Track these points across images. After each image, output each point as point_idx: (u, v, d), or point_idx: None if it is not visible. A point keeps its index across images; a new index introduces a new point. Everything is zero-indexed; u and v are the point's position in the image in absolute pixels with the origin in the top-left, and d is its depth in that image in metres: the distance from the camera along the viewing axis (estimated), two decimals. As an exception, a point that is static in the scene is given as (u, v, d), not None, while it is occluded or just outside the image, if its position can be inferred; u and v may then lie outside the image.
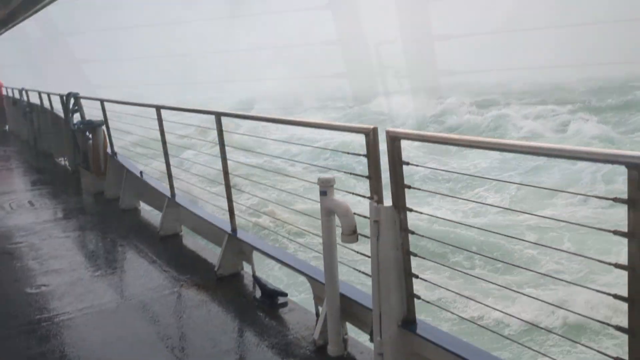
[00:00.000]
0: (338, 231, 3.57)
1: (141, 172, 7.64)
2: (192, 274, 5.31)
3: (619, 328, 2.18)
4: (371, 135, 3.20)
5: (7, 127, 18.34)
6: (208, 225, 5.74)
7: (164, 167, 6.69)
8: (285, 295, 4.59)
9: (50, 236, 6.79)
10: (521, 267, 6.43)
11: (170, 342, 4.02)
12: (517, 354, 5.38)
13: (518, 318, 5.43)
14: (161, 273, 5.41)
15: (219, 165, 5.27)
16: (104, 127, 8.70)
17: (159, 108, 6.47)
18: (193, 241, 6.35)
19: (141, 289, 5.03)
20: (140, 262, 5.78)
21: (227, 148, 5.17)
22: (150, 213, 7.66)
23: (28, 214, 7.89)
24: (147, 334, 4.19)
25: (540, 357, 5.37)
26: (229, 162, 5.23)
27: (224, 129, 5.10)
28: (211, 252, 5.83)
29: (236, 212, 5.31)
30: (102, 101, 8.45)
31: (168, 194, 6.65)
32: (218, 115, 5.13)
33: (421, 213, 3.15)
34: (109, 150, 8.70)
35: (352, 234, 3.42)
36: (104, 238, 6.75)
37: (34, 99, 13.53)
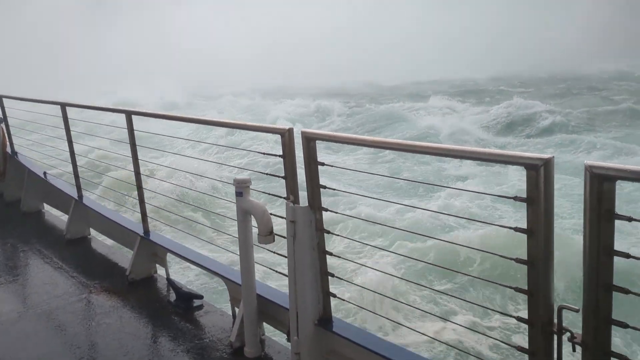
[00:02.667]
0: (255, 231, 3.55)
1: (45, 173, 7.21)
2: (101, 279, 5.08)
3: (520, 319, 2.34)
4: (287, 136, 3.21)
5: None
6: (118, 228, 5.52)
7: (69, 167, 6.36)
8: (201, 297, 4.50)
9: (-60, 243, 6.25)
10: (436, 265, 6.67)
11: (79, 352, 3.83)
12: (430, 348, 5.62)
13: (432, 314, 5.67)
14: (68, 279, 5.14)
15: (130, 166, 5.08)
16: (2, 125, 8.12)
17: (64, 105, 6.13)
18: (102, 244, 6.08)
19: (46, 296, 4.75)
20: (45, 268, 5.45)
21: (138, 147, 5.00)
22: (55, 216, 7.25)
23: None
24: (53, 345, 3.96)
25: (453, 348, 5.63)
26: (140, 162, 5.06)
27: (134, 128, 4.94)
28: (122, 256, 5.61)
29: (148, 214, 5.15)
30: (0, 97, 7.89)
31: (75, 195, 6.32)
32: (129, 114, 4.95)
33: (336, 212, 3.20)
34: (8, 149, 8.13)
35: (268, 235, 3.42)
36: (4, 243, 6.31)
37: None
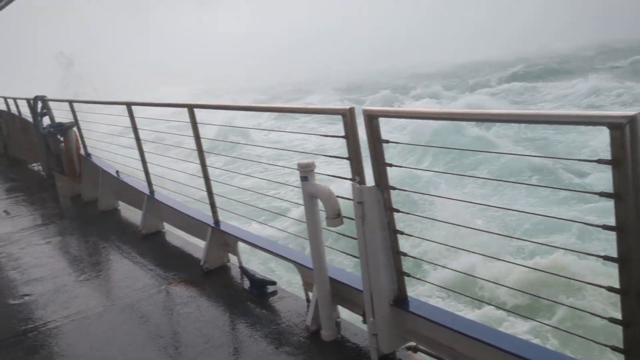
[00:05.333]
0: (322, 215, 3.53)
1: (117, 172, 7.49)
2: (178, 270, 5.23)
3: (611, 289, 2.19)
4: (348, 116, 3.14)
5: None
6: (190, 220, 5.66)
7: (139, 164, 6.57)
8: (274, 283, 4.55)
9: (29, 244, 6.64)
10: (513, 237, 6.41)
11: (162, 342, 3.96)
12: (512, 324, 5.44)
13: (510, 287, 5.46)
14: (146, 272, 5.33)
15: (196, 159, 5.18)
16: (75, 129, 8.50)
17: (129, 105, 6.32)
18: (176, 237, 6.26)
19: (127, 290, 4.95)
20: (125, 263, 5.68)
21: (202, 140, 5.08)
22: (130, 212, 7.53)
23: (4, 224, 7.70)
24: (137, 336, 4.12)
25: (536, 325, 5.43)
26: (205, 154, 5.14)
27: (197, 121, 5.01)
28: (195, 247, 5.76)
29: (217, 204, 5.24)
30: (70, 102, 8.24)
31: (147, 191, 6.53)
32: (191, 108, 5.03)
33: (404, 190, 3.11)
34: (82, 152, 8.52)
35: (336, 217, 3.38)
36: (86, 242, 6.63)
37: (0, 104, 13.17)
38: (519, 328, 5.57)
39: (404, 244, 3.27)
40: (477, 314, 5.77)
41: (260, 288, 4.53)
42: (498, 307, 5.18)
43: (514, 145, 16.23)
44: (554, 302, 5.47)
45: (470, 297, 5.21)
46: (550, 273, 6.17)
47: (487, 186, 11.00)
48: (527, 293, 5.27)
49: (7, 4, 12.61)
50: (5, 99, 12.46)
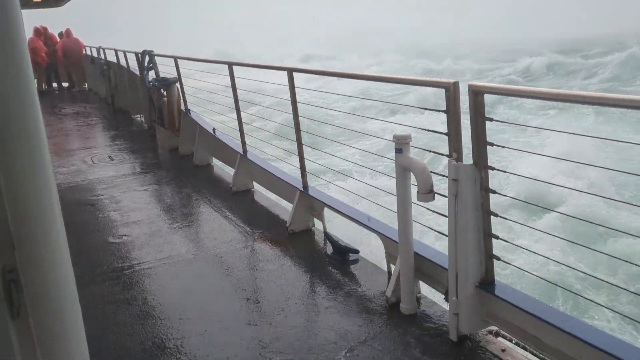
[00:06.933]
0: (413, 190, 3.50)
1: (214, 129, 7.78)
2: (264, 229, 5.40)
3: None
4: (452, 90, 3.07)
5: (86, 85, 19.11)
6: (279, 182, 5.80)
7: (235, 124, 6.78)
8: (357, 252, 4.59)
9: (129, 189, 7.09)
10: (616, 230, 6.00)
11: (245, 294, 4.13)
12: (604, 317, 5.15)
13: (603, 280, 5.16)
14: (235, 227, 5.54)
15: (291, 122, 5.27)
16: (177, 85, 8.88)
17: (230, 65, 6.50)
18: (264, 197, 6.45)
19: (216, 242, 5.18)
20: (214, 217, 5.94)
21: (299, 105, 5.16)
22: (222, 169, 7.84)
23: (108, 168, 8.26)
24: (222, 285, 4.33)
25: (628, 321, 5.12)
26: (300, 119, 5.22)
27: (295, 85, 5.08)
28: (282, 208, 5.91)
29: (307, 170, 5.33)
30: (175, 58, 8.60)
31: (240, 150, 6.75)
32: (290, 72, 5.10)
33: (504, 172, 3.02)
34: (182, 107, 8.90)
35: (428, 193, 3.34)
36: (180, 192, 6.98)
37: (111, 57, 13.96)
38: (615, 326, 5.27)
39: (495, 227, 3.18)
40: (569, 308, 5.51)
41: (343, 255, 4.60)
42: (594, 302, 4.91)
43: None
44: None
45: (563, 288, 4.97)
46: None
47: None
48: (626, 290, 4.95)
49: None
50: (116, 51, 13.18)
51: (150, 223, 5.79)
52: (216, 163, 8.09)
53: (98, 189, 7.19)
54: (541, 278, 3.66)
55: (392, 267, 4.07)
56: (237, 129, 6.74)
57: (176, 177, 7.70)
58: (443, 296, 3.48)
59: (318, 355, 3.25)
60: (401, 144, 3.47)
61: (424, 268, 3.69)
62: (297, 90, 5.12)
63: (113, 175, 7.84)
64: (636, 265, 2.76)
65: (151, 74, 9.56)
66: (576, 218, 4.71)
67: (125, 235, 5.48)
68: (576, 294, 4.46)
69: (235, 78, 6.57)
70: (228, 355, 3.34)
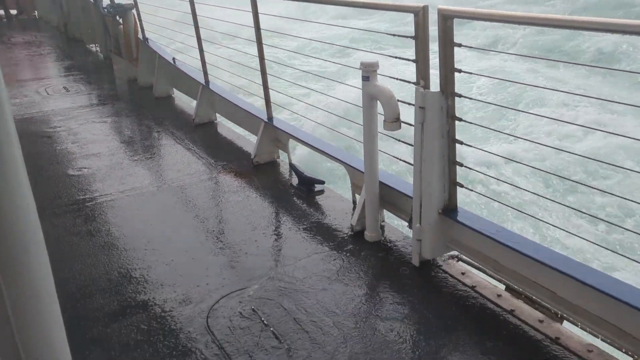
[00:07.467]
0: (380, 119, 3.48)
1: (174, 59, 7.50)
2: (228, 161, 5.34)
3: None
4: (421, 15, 3.00)
5: (36, 13, 18.05)
6: (243, 113, 5.70)
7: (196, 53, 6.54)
8: (322, 183, 4.61)
9: (87, 121, 6.85)
10: (576, 154, 6.11)
11: (210, 225, 4.13)
12: (558, 238, 5.36)
13: (561, 203, 5.33)
14: (198, 159, 5.46)
15: (255, 51, 5.11)
16: (134, 11, 8.45)
17: None
18: (228, 129, 6.34)
19: (179, 174, 5.11)
20: (177, 149, 5.82)
21: (262, 32, 4.99)
22: (184, 101, 7.63)
23: (64, 100, 7.93)
24: (187, 216, 4.30)
25: (579, 240, 5.33)
26: (264, 48, 5.06)
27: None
28: (246, 140, 5.84)
29: (272, 100, 5.23)
30: None
31: (202, 81, 6.55)
32: (253, -2, 4.89)
33: (470, 99, 3.02)
34: (140, 36, 8.52)
35: (395, 121, 3.33)
36: (140, 124, 6.79)
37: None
38: (570, 244, 5.48)
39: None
40: (529, 234, 5.69)
41: (308, 186, 4.61)
42: (553, 225, 5.09)
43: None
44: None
45: (523, 213, 5.13)
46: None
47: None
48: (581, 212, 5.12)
49: None
50: None
51: (111, 155, 5.65)
52: (177, 94, 7.86)
53: (54, 120, 6.92)
54: (502, 203, 3.75)
55: (357, 197, 4.10)
56: (199, 58, 6.51)
57: (136, 108, 7.47)
58: (407, 224, 3.55)
59: (284, 282, 3.30)
60: (368, 72, 3.41)
61: (389, 197, 3.73)
62: (260, 17, 4.94)
63: (69, 107, 7.54)
64: (591, 187, 2.84)
65: (105, 1, 9.06)
66: (534, 142, 4.77)
67: (85, 168, 5.34)
68: (532, 216, 4.61)
69: (195, 4, 6.28)
70: (197, 283, 3.36)
